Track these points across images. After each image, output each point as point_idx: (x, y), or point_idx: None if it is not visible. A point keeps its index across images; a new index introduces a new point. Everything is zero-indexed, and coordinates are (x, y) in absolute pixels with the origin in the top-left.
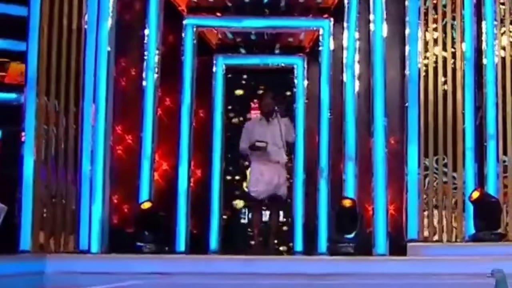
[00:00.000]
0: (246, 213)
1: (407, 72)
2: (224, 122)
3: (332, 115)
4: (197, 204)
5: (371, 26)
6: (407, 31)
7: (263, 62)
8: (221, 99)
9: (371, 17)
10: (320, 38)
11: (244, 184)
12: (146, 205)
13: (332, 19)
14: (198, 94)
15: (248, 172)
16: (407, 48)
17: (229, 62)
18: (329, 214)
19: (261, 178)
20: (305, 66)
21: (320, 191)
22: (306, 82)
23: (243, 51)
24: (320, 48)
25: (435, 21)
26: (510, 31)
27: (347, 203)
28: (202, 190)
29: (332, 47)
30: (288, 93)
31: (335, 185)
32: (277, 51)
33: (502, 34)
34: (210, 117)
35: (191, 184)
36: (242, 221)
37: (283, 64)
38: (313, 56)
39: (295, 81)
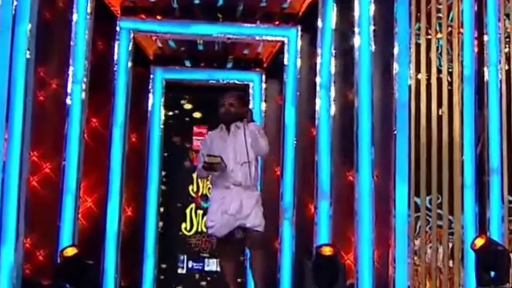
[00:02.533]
0: (185, 261)
1: (395, 93)
2: (162, 149)
3: (298, 143)
4: (126, 249)
5: (356, 38)
6: (396, 45)
7: (212, 78)
8: (158, 121)
9: (356, 29)
10: (285, 50)
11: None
12: (70, 252)
13: (299, 27)
14: (131, 115)
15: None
16: (395, 65)
17: (170, 77)
18: (293, 263)
19: (220, 208)
20: (263, 83)
21: (282, 236)
22: (264, 103)
23: (188, 63)
24: (286, 62)
25: (428, 33)
26: None
27: (327, 251)
28: (133, 232)
29: (299, 62)
30: None
31: (301, 228)
32: (229, 65)
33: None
34: (145, 143)
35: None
36: (180, 271)
37: (236, 81)
38: (272, 72)
39: (251, 101)
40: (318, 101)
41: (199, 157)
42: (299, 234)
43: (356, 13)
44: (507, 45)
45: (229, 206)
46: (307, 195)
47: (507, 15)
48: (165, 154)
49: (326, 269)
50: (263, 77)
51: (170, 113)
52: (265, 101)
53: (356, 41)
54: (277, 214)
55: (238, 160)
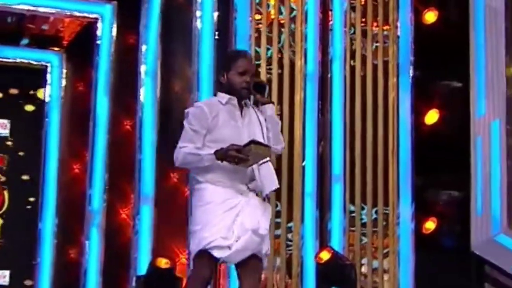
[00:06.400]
0: None
1: None
2: None
3: (112, 137)
4: None
5: (196, 21)
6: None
7: (1, 55)
8: None
9: (198, 13)
10: (98, 29)
11: None
12: None
13: (116, 3)
14: None
15: (198, 205)
16: None
17: None
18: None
19: (238, 221)
20: (64, 66)
21: (89, 245)
22: (62, 91)
23: None
24: (98, 42)
25: (269, 25)
26: (362, 42)
27: (162, 263)
28: None
29: (114, 44)
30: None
31: (110, 236)
32: (23, 42)
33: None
34: None
35: None
36: None
37: (32, 61)
38: (76, 53)
39: (48, 86)
40: (142, 91)
41: (188, 134)
42: (109, 243)
43: None
44: (353, 41)
45: (254, 221)
46: (117, 198)
47: (353, 8)
48: None
49: (161, 283)
50: (64, 59)
51: None
52: (64, 86)
53: (197, 25)
54: (80, 219)
55: None
